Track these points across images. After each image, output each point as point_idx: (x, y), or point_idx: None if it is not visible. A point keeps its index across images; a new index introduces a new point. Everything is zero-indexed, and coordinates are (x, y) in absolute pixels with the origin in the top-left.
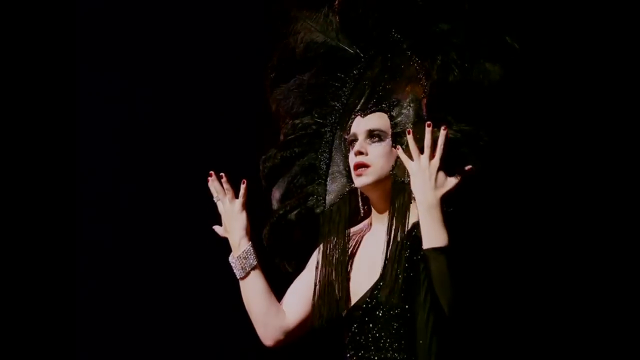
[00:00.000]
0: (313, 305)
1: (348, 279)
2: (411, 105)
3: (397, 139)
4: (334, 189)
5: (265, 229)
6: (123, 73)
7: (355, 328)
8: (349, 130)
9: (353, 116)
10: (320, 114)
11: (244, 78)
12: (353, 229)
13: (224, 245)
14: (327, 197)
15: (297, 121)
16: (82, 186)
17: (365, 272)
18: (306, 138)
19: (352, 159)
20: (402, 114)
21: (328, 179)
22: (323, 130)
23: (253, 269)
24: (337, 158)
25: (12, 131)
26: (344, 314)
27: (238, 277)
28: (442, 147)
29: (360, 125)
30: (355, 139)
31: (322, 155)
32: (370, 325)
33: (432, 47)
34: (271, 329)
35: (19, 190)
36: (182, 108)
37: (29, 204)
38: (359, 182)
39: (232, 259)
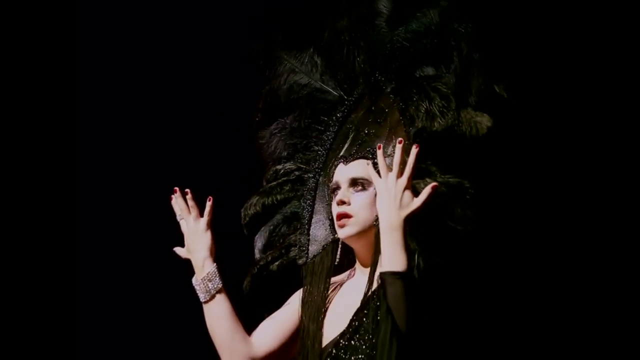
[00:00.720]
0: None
1: (322, 327)
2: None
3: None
4: (316, 238)
5: (246, 279)
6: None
7: None
8: (332, 177)
9: (336, 163)
10: (304, 159)
11: (242, 79)
12: (335, 278)
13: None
14: (310, 248)
15: (279, 166)
16: (81, 184)
17: (338, 319)
18: (288, 184)
19: (335, 209)
20: (388, 157)
21: (311, 228)
22: (306, 176)
23: (218, 292)
24: (320, 206)
25: (11, 128)
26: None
27: (202, 301)
28: (411, 166)
29: (343, 173)
30: (338, 187)
31: (305, 203)
32: None
33: (416, 92)
34: (237, 355)
35: (17, 186)
36: (182, 108)
37: (28, 201)
38: (341, 233)
39: (196, 281)
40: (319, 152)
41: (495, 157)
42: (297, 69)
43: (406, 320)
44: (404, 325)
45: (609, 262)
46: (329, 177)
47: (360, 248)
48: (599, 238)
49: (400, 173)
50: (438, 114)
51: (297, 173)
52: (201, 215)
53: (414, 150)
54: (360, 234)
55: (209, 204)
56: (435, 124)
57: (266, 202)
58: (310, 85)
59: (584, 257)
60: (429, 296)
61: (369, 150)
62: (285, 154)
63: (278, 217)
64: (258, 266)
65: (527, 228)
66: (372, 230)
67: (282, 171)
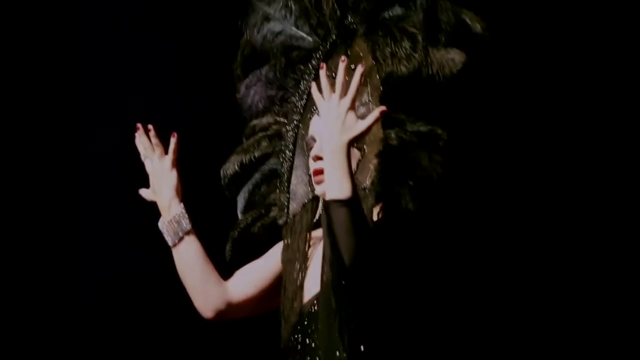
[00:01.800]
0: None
1: (302, 285)
2: (372, 97)
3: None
4: (296, 196)
5: (227, 245)
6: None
7: (295, 334)
8: (308, 131)
9: (312, 114)
10: (281, 112)
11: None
12: (316, 233)
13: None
14: (290, 206)
15: (256, 121)
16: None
17: (315, 278)
18: (266, 140)
19: (311, 164)
20: (363, 106)
21: (290, 185)
22: (284, 130)
23: (187, 233)
24: (299, 161)
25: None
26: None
27: (170, 244)
28: (355, 86)
29: (318, 125)
30: (314, 141)
31: (284, 159)
32: (309, 331)
33: (382, 34)
34: (212, 299)
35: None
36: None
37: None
38: (319, 190)
39: (162, 224)
40: (297, 104)
41: (471, 98)
42: (270, 16)
43: (354, 256)
44: (351, 262)
45: (593, 229)
46: (307, 129)
47: None
48: (581, 197)
49: (344, 94)
50: (404, 56)
51: (274, 127)
52: (166, 153)
53: (358, 69)
54: None
55: (173, 140)
56: (402, 67)
57: (244, 161)
58: (284, 32)
59: (567, 213)
60: (390, 244)
61: None
62: (262, 107)
63: (257, 175)
64: (238, 229)
65: (507, 175)
66: None
67: (259, 126)
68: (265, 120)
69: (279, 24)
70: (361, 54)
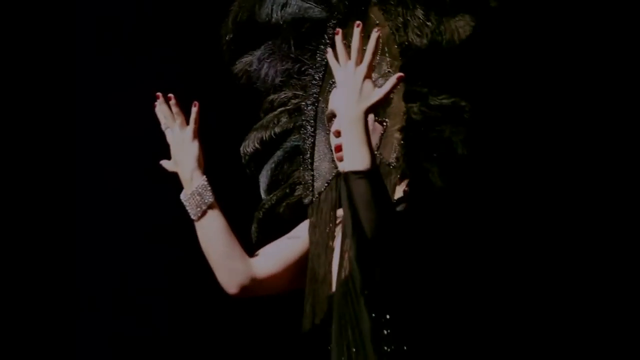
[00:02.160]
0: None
1: (330, 269)
2: (392, 68)
3: (380, 110)
4: (321, 173)
5: (253, 226)
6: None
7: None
8: (328, 105)
9: (331, 87)
10: (299, 85)
11: None
12: (341, 212)
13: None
14: (315, 184)
15: (274, 96)
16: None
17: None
18: (285, 115)
19: (333, 140)
20: (382, 78)
21: (314, 162)
22: (304, 104)
23: (210, 207)
24: (321, 136)
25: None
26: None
27: (193, 218)
28: (371, 52)
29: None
30: (334, 115)
31: (305, 134)
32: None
33: (397, 2)
34: (236, 274)
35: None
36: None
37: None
38: (341, 166)
39: (185, 196)
40: (315, 77)
41: (490, 66)
42: None
43: (375, 230)
44: (372, 236)
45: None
46: (327, 103)
47: None
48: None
49: (360, 60)
50: (417, 25)
51: (294, 101)
52: (187, 123)
53: (374, 35)
54: None
55: (194, 109)
56: (416, 37)
57: (264, 137)
58: (291, 3)
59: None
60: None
61: None
62: (279, 81)
63: (279, 153)
64: (263, 210)
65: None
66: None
67: (277, 101)
68: (284, 94)
69: None
70: (377, 22)
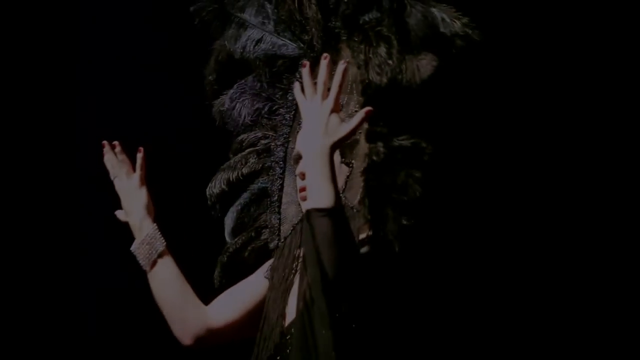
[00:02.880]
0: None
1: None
2: (359, 107)
3: (347, 151)
4: (287, 217)
5: (216, 270)
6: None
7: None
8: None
9: (299, 128)
10: (270, 125)
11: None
12: None
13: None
14: (281, 228)
15: (244, 136)
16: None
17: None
18: (254, 156)
19: (298, 182)
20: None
21: (282, 205)
22: (273, 145)
23: (160, 256)
24: (289, 179)
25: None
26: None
27: (144, 269)
28: (337, 85)
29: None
30: (300, 157)
31: (273, 176)
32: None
33: (361, 40)
34: (189, 325)
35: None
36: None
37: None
38: (304, 206)
39: (134, 246)
40: (286, 116)
41: (453, 106)
42: (247, 23)
43: (337, 271)
44: (334, 277)
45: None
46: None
47: None
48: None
49: (326, 94)
50: (377, 63)
51: (263, 142)
52: (134, 170)
53: (340, 67)
54: None
55: (139, 155)
56: (376, 75)
57: (231, 178)
58: (265, 40)
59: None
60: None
61: None
62: (249, 120)
63: (246, 195)
64: (227, 254)
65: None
66: None
67: (246, 141)
68: (254, 134)
69: (258, 31)
70: (348, 60)
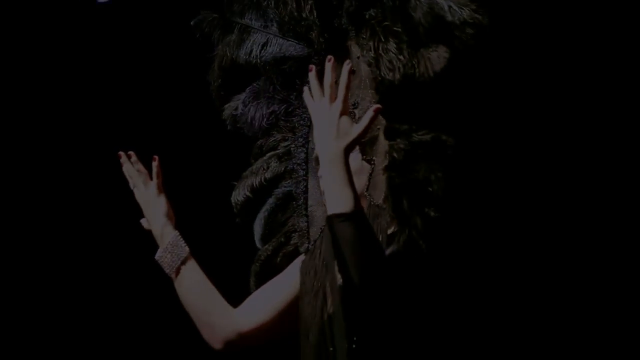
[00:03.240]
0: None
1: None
2: (373, 102)
3: (366, 148)
4: (315, 219)
5: (251, 279)
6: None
7: None
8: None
9: None
10: (288, 127)
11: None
12: None
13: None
14: (310, 230)
15: (262, 140)
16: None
17: None
18: (276, 160)
19: (321, 183)
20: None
21: (309, 207)
22: (293, 146)
23: (184, 262)
24: (313, 181)
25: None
26: None
27: (170, 276)
28: (344, 86)
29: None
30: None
31: (297, 179)
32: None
33: (369, 36)
34: (220, 330)
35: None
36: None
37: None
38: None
39: (158, 255)
40: (303, 117)
41: (470, 95)
42: (249, 27)
43: (363, 277)
44: (360, 283)
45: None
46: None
47: None
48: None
49: (334, 96)
50: (389, 60)
51: (283, 145)
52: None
53: (345, 68)
54: None
55: (154, 164)
56: (388, 71)
57: (254, 184)
58: (271, 43)
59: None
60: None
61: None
62: (266, 124)
63: (271, 200)
64: (260, 262)
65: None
66: (364, 200)
67: (266, 145)
68: (272, 138)
69: (262, 35)
70: (358, 56)
